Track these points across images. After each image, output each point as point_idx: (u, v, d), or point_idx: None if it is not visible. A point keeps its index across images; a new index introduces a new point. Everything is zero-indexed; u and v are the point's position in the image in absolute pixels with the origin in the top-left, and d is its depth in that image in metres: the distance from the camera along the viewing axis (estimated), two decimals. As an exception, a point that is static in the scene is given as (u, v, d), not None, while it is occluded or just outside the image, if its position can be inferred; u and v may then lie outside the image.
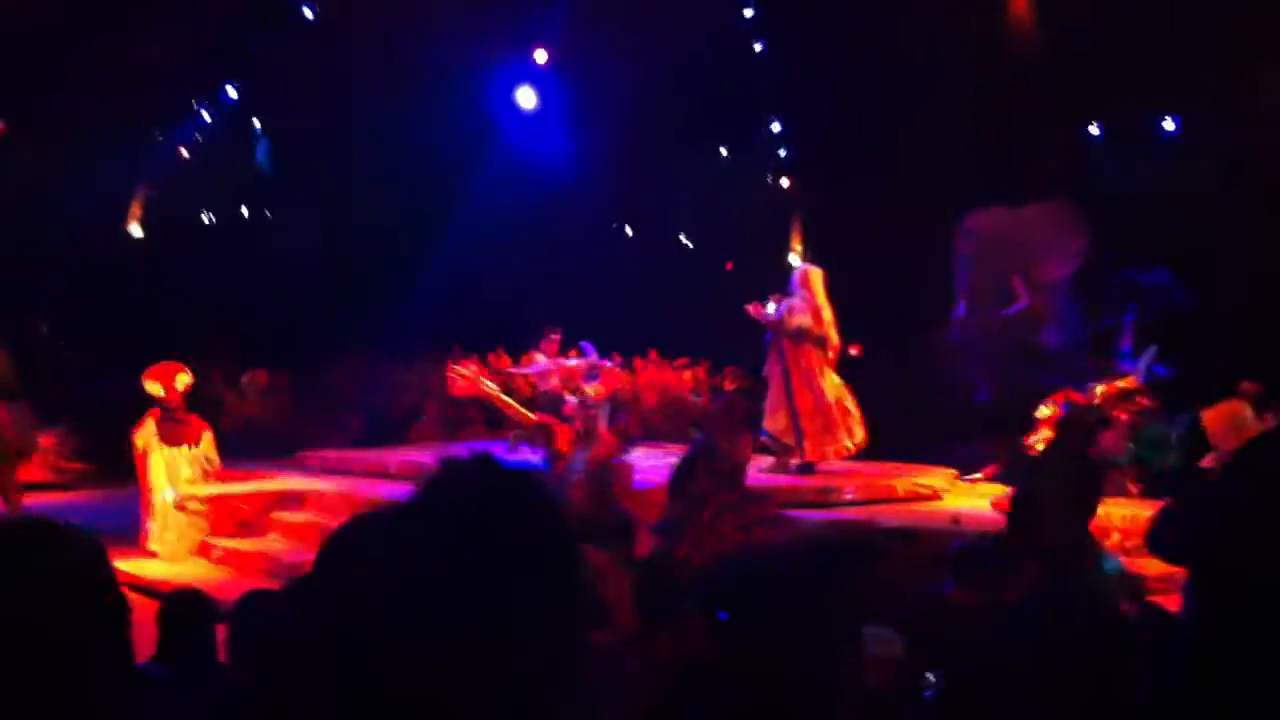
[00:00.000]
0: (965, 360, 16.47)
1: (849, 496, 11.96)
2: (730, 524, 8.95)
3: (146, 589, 9.36)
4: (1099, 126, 20.15)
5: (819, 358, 13.54)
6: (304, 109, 20.71)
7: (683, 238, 26.08)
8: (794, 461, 13.06)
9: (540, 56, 19.70)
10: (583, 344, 15.77)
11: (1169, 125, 19.67)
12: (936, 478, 13.37)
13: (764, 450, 13.13)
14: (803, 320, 13.41)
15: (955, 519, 10.52)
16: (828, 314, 13.61)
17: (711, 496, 8.90)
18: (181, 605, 4.80)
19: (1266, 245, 16.45)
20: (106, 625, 1.61)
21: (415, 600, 1.32)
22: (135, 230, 20.97)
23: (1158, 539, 1.18)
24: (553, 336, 15.69)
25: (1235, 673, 1.05)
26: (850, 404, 13.59)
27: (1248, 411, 11.81)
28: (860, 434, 13.45)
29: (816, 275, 13.82)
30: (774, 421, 13.34)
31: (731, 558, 2.40)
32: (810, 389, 13.42)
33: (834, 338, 13.64)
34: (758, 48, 21.03)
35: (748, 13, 20.83)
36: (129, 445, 12.31)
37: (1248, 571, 1.08)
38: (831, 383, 13.56)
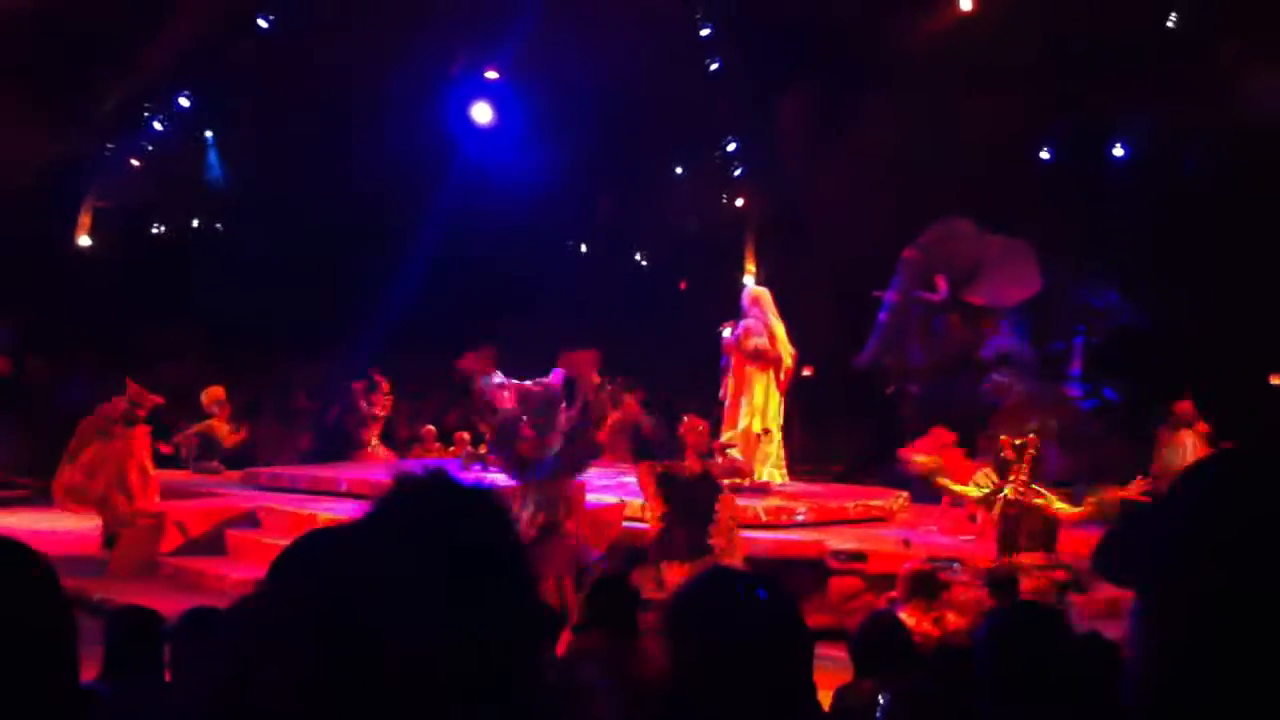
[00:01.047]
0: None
1: (801, 518, 11.97)
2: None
3: (93, 606, 9.23)
4: (1050, 150, 20.38)
5: (767, 381, 13.60)
6: (259, 124, 20.61)
7: (638, 256, 26.12)
8: (746, 482, 13.07)
9: (491, 75, 19.69)
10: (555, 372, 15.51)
11: (1119, 150, 19.93)
12: (887, 499, 13.42)
13: None
14: (759, 341, 13.47)
15: (906, 541, 10.57)
16: (781, 334, 13.70)
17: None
18: (129, 622, 4.73)
19: (1215, 267, 16.73)
20: (53, 643, 1.59)
21: (369, 616, 1.31)
22: (84, 241, 20.74)
23: (1103, 560, 1.19)
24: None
25: (1184, 695, 1.05)
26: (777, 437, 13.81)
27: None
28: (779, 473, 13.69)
29: (767, 295, 13.91)
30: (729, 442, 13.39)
31: (701, 575, 2.40)
32: (753, 413, 13.46)
33: (786, 359, 13.70)
34: (714, 67, 21.10)
35: (704, 32, 20.91)
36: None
37: (1194, 593, 1.09)
38: (771, 411, 13.67)
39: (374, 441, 17.56)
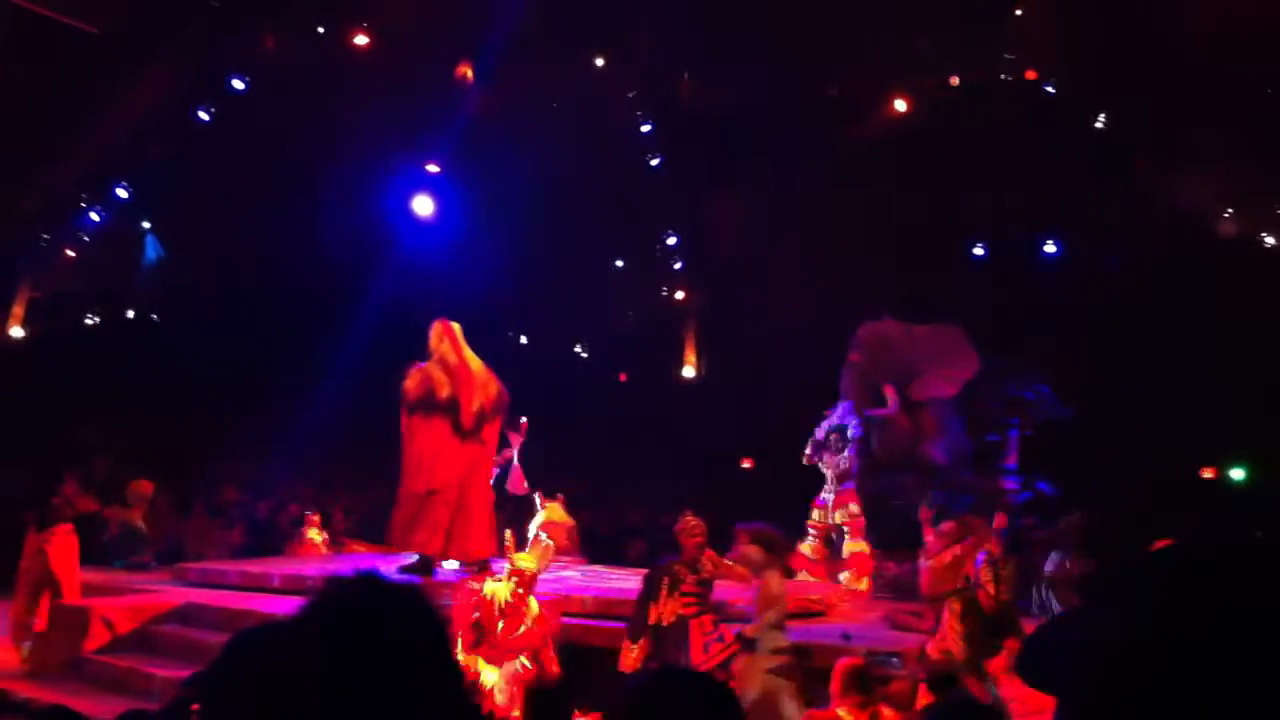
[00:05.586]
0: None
1: (739, 609, 11.84)
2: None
3: (16, 706, 8.96)
4: (983, 246, 20.78)
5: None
6: (196, 216, 20.59)
7: (578, 348, 26.18)
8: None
9: (432, 168, 19.81)
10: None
11: (1050, 247, 20.38)
12: (827, 593, 13.39)
13: None
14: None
15: (845, 634, 10.53)
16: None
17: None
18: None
19: (1146, 360, 17.05)
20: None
21: (304, 715, 1.31)
22: (17, 331, 20.50)
23: (1026, 664, 1.21)
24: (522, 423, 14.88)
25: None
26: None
27: None
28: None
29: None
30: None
31: (649, 674, 2.39)
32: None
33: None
34: (654, 162, 21.38)
35: (645, 128, 21.22)
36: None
37: (1112, 701, 1.10)
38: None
39: (310, 534, 17.31)
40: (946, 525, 11.73)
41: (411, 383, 12.42)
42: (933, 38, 18.67)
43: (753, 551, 8.84)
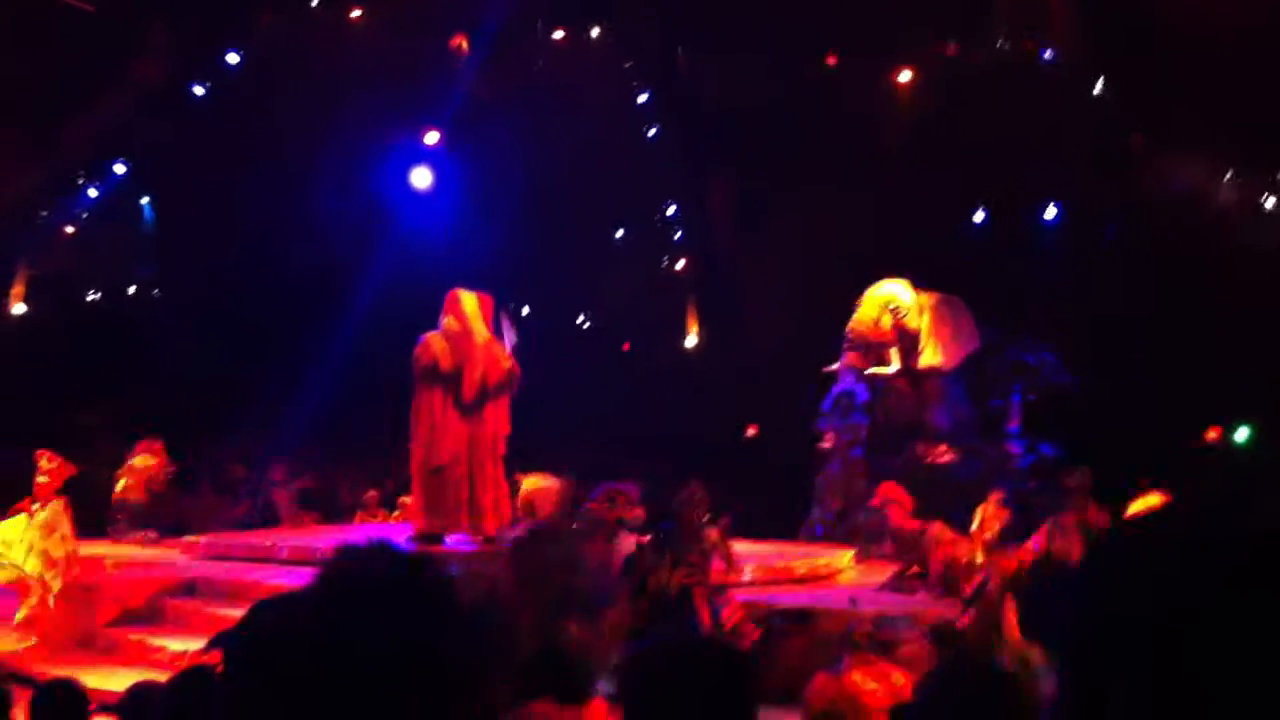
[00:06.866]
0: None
1: (746, 577, 11.88)
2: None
3: (27, 679, 9.02)
4: (984, 213, 20.70)
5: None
6: (196, 191, 20.53)
7: (580, 318, 26.15)
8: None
9: (431, 138, 19.72)
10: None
11: (1051, 213, 20.30)
12: (834, 557, 13.43)
13: None
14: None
15: (852, 599, 10.55)
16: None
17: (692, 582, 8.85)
18: (54, 697, 4.64)
19: (1150, 323, 17.04)
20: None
21: (323, 687, 1.32)
22: (18, 308, 20.49)
23: (1029, 620, 1.21)
24: None
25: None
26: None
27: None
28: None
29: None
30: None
31: (646, 639, 2.42)
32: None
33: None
34: (651, 132, 21.30)
35: (641, 98, 21.14)
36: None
37: (1107, 658, 1.10)
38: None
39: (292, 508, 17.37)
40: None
41: (418, 352, 12.39)
42: (932, 7, 18.61)
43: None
